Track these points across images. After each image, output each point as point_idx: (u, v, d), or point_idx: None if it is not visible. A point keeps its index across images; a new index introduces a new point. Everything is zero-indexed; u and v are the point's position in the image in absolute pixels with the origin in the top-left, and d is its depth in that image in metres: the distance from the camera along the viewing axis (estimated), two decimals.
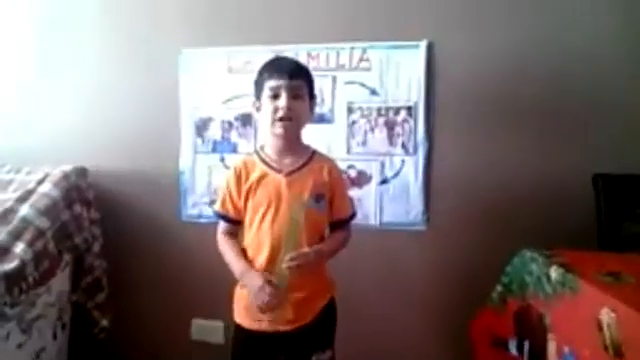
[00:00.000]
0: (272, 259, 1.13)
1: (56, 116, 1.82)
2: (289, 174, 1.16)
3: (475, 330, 1.38)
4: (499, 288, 1.30)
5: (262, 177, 1.17)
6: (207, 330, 1.72)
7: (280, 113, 1.12)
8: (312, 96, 1.21)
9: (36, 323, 1.40)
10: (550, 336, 1.07)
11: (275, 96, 1.13)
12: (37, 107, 1.83)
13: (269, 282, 1.10)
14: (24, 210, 1.40)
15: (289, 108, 1.12)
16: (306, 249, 1.11)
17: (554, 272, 1.06)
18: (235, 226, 1.23)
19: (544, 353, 1.09)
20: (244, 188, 1.17)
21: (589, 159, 1.47)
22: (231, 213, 1.20)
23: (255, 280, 1.11)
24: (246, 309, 1.17)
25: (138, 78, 1.75)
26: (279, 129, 1.14)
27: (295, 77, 1.14)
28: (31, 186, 1.50)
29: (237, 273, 1.16)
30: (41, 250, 1.38)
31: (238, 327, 1.19)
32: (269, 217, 1.14)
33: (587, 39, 1.49)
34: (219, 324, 1.70)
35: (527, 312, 1.18)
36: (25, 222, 1.38)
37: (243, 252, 1.19)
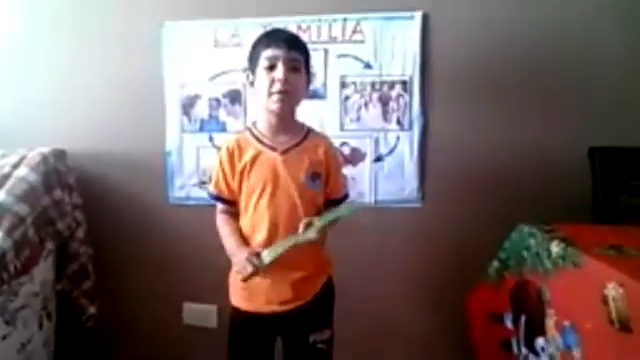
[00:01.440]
0: (270, 240, 1.09)
1: (29, 94, 1.71)
2: (284, 152, 1.12)
3: (471, 305, 1.39)
4: (496, 264, 1.30)
5: (256, 156, 1.12)
6: (200, 314, 1.69)
7: (277, 85, 1.06)
8: (308, 71, 1.16)
9: (20, 313, 1.34)
10: (549, 311, 1.07)
11: (271, 67, 1.07)
12: (8, 84, 1.72)
13: (255, 255, 1.05)
14: (0, 196, 1.32)
15: (286, 80, 1.06)
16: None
17: (555, 247, 1.05)
18: (232, 206, 1.18)
19: (541, 327, 1.10)
20: (238, 168, 1.12)
21: (585, 132, 1.46)
22: (225, 194, 1.16)
23: (241, 255, 1.06)
24: (242, 290, 1.14)
25: (118, 53, 1.65)
26: (275, 103, 1.08)
27: (293, 48, 1.08)
28: (6, 170, 1.41)
29: (228, 251, 1.12)
30: (21, 238, 1.31)
31: (234, 310, 1.17)
32: (266, 197, 1.10)
33: (585, 12, 1.46)
34: (212, 308, 1.67)
35: (524, 287, 1.18)
36: (2, 209, 1.30)
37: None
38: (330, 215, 1.08)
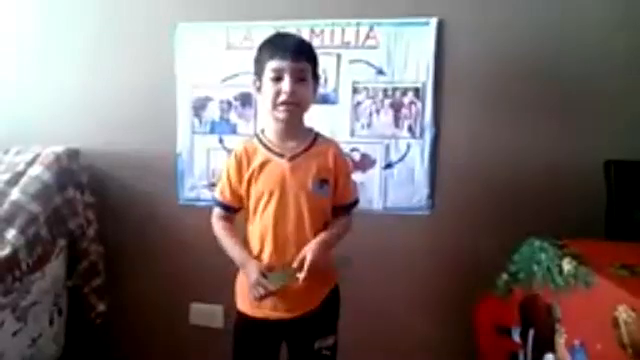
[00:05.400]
0: (277, 247, 1.10)
1: (45, 94, 1.73)
2: (292, 158, 1.12)
3: (478, 317, 1.38)
4: (505, 276, 1.29)
5: (265, 163, 1.12)
6: (206, 314, 1.71)
7: (283, 97, 1.06)
8: (316, 76, 1.15)
9: (31, 310, 1.37)
10: (559, 328, 1.06)
11: (277, 78, 1.06)
12: (26, 84, 1.74)
13: (263, 276, 1.07)
14: (15, 195, 1.35)
15: (293, 92, 1.05)
16: (309, 254, 1.07)
17: (567, 264, 1.03)
18: (232, 214, 1.20)
19: (550, 343, 1.08)
20: (245, 175, 1.13)
21: (602, 145, 1.43)
22: (228, 200, 1.17)
23: (252, 273, 1.08)
24: (250, 297, 1.14)
25: (131, 54, 1.66)
26: (282, 114, 1.08)
27: (299, 59, 1.06)
28: (20, 168, 1.44)
29: (237, 262, 1.14)
30: (34, 236, 1.33)
31: (240, 314, 1.18)
32: (273, 203, 1.10)
33: (605, 22, 1.43)
34: (218, 308, 1.68)
35: (534, 302, 1.17)
36: (16, 207, 1.32)
37: (245, 241, 1.17)
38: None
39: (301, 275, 1.05)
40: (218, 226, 1.19)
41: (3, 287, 1.23)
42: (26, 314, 1.34)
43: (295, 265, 1.06)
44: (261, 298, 1.07)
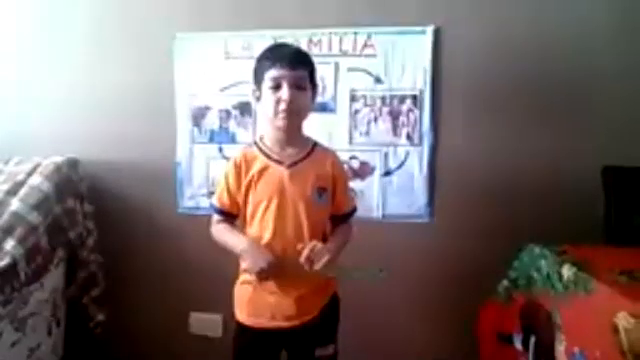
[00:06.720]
0: (275, 253, 1.09)
1: (44, 104, 1.74)
2: (291, 166, 1.12)
3: (480, 324, 1.37)
4: (505, 283, 1.29)
5: (263, 170, 1.12)
6: (205, 324, 1.70)
7: (282, 105, 1.07)
8: (314, 85, 1.16)
9: (30, 320, 1.36)
10: (559, 335, 1.05)
11: (276, 87, 1.07)
12: (25, 95, 1.75)
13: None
14: (14, 205, 1.35)
15: (292, 100, 1.06)
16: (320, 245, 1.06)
17: (567, 271, 1.03)
18: (230, 220, 1.19)
19: (551, 350, 1.07)
20: (244, 182, 1.13)
21: (600, 150, 1.43)
22: (226, 207, 1.17)
23: (265, 255, 1.06)
24: (247, 306, 1.15)
25: (131, 64, 1.67)
26: (281, 121, 1.09)
27: (297, 67, 1.08)
28: (20, 178, 1.44)
29: (241, 247, 1.11)
30: (33, 246, 1.33)
31: (239, 324, 1.17)
32: (272, 210, 1.10)
33: (602, 28, 1.44)
34: (217, 317, 1.68)
35: (534, 309, 1.17)
36: (16, 217, 1.32)
37: None
38: (353, 273, 1.15)
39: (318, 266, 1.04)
40: (216, 228, 1.19)
41: (2, 297, 1.22)
42: (24, 324, 1.33)
43: (305, 252, 1.04)
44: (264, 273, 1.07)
